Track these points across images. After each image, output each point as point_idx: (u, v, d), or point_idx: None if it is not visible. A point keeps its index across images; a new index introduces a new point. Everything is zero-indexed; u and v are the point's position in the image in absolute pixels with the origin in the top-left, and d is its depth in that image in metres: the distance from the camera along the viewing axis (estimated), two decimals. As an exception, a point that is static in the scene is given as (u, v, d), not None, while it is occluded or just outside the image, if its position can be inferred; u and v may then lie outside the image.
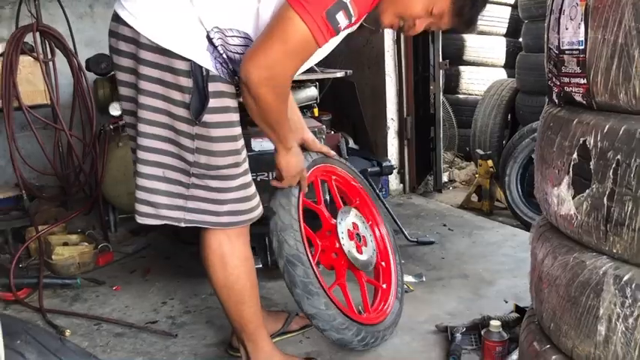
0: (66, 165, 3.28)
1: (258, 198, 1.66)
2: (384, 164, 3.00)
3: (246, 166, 1.60)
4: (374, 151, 3.82)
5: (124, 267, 2.83)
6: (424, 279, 2.51)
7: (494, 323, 1.83)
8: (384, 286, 2.15)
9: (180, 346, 2.05)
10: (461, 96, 4.90)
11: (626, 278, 1.19)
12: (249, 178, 1.61)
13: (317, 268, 1.79)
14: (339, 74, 2.77)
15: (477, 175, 3.75)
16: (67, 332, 2.15)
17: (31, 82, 2.98)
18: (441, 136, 3.86)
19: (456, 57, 4.80)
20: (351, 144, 3.85)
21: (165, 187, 1.54)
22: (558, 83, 1.36)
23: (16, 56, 2.90)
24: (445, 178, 4.28)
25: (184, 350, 2.02)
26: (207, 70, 1.44)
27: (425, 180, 4.07)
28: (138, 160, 1.53)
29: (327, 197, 2.47)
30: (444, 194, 4.01)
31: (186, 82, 1.44)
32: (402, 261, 2.66)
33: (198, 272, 2.30)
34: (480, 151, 3.74)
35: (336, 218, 1.99)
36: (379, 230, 2.24)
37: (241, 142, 1.57)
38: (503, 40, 4.98)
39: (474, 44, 4.90)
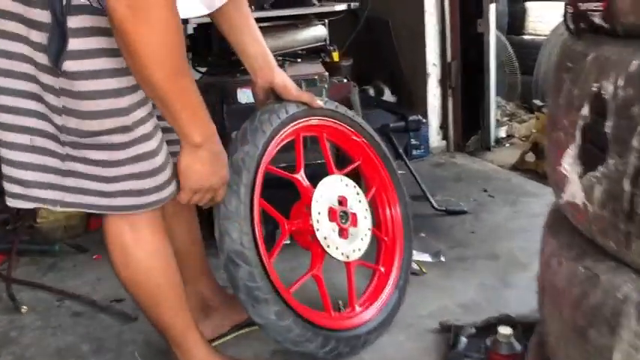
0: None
1: (168, 172, 1.23)
2: (410, 118, 2.55)
3: (144, 130, 1.17)
4: (413, 102, 3.33)
5: (117, 232, 2.59)
6: (443, 259, 2.07)
7: (503, 331, 1.40)
8: (382, 269, 1.75)
9: (136, 333, 1.77)
10: (526, 37, 4.21)
11: (656, 311, 0.74)
12: (151, 145, 1.18)
13: (270, 265, 1.40)
14: (340, 7, 2.26)
15: (534, 130, 3.19)
16: (24, 309, 1.93)
17: None
18: (493, 83, 3.29)
19: (522, -9, 4.14)
20: (387, 95, 3.40)
21: (36, 160, 1.17)
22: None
23: None
24: (503, 133, 3.71)
25: (138, 338, 1.74)
26: None
27: (477, 136, 3.54)
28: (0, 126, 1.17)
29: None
30: (498, 152, 3.46)
31: (42, 14, 1.06)
32: (422, 234, 2.26)
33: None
34: (537, 102, 3.16)
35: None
36: (386, 196, 1.81)
37: (132, 99, 1.14)
38: (582, -30, 4.21)
39: (544, -25, 4.19)
